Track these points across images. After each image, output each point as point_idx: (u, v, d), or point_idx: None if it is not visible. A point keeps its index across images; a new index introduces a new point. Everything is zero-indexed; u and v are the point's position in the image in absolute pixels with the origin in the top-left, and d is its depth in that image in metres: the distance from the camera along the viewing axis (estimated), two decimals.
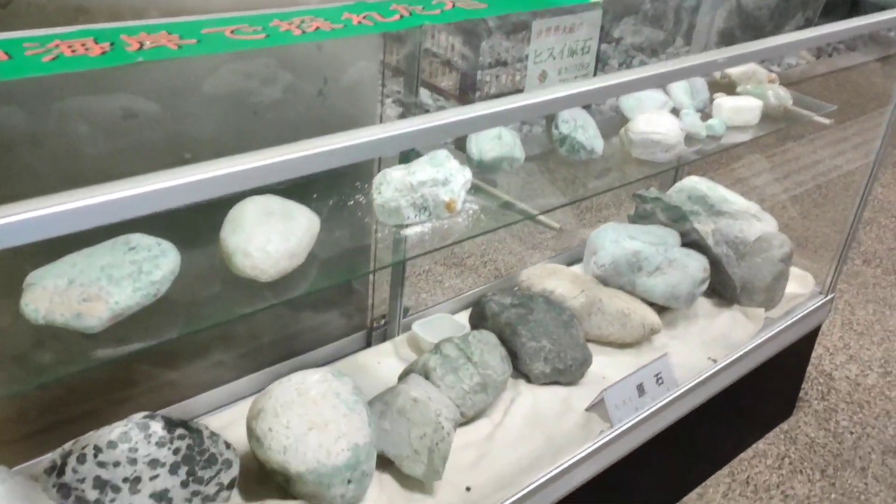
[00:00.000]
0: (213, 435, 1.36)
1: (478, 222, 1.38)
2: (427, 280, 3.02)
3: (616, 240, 2.04)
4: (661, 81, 1.65)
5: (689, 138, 1.80)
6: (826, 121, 1.98)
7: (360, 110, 1.68)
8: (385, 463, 1.49)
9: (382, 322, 1.87)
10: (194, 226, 1.23)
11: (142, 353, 1.58)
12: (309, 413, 1.36)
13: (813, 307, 2.18)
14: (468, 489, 1.49)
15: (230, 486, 1.35)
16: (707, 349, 1.96)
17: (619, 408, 1.68)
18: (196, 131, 1.47)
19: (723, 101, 1.90)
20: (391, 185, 1.31)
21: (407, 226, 1.34)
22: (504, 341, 1.77)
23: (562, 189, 1.57)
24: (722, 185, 2.31)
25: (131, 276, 1.03)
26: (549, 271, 2.02)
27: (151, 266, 1.04)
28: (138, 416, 1.31)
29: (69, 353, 1.02)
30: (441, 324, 1.88)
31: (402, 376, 1.66)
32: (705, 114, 1.94)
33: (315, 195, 1.41)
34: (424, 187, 1.32)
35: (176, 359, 1.65)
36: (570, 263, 2.32)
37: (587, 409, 1.71)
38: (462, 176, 1.39)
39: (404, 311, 1.91)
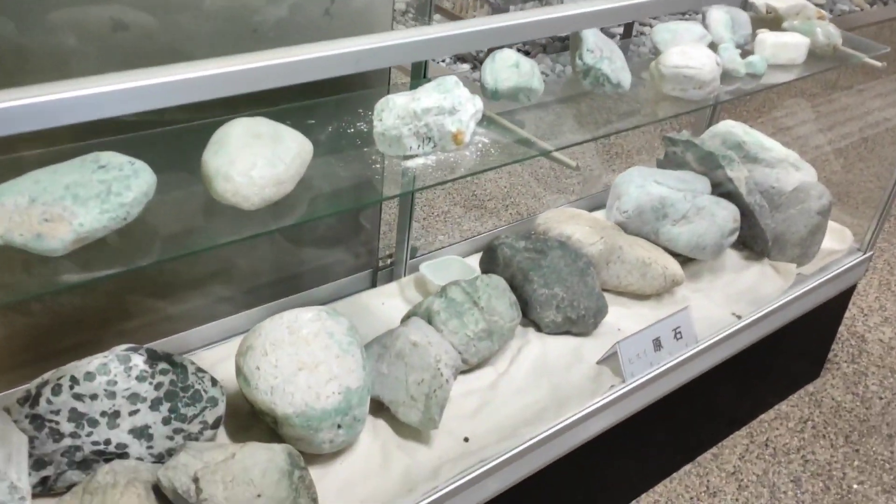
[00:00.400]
0: (198, 371, 1.29)
1: (487, 156, 1.27)
2: (445, 221, 2.92)
3: (641, 184, 1.92)
4: (694, 4, 1.51)
5: (727, 76, 1.66)
6: (878, 63, 1.82)
7: (371, 33, 1.56)
8: (380, 408, 1.42)
9: (389, 262, 1.79)
10: (180, 148, 1.14)
11: (135, 283, 1.53)
12: (299, 353, 1.29)
13: (849, 265, 2.05)
14: (466, 440, 1.41)
15: (215, 426, 1.29)
16: (732, 304, 1.85)
17: (633, 362, 1.58)
18: (190, 48, 1.36)
19: (766, 37, 1.74)
20: (393, 112, 1.21)
21: (409, 157, 1.23)
22: (515, 287, 1.68)
23: (583, 125, 1.45)
24: (760, 131, 2.17)
25: (99, 196, 0.94)
26: (567, 215, 1.91)
27: (122, 187, 0.96)
28: (120, 348, 1.24)
29: (31, 274, 0.94)
30: (450, 266, 1.79)
31: (405, 319, 1.58)
32: (746, 50, 1.79)
33: (313, 121, 1.31)
34: (429, 115, 1.21)
35: (173, 291, 1.58)
36: (594, 209, 2.21)
37: (599, 362, 1.62)
38: (472, 105, 1.28)
39: (412, 251, 1.81)
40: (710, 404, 1.93)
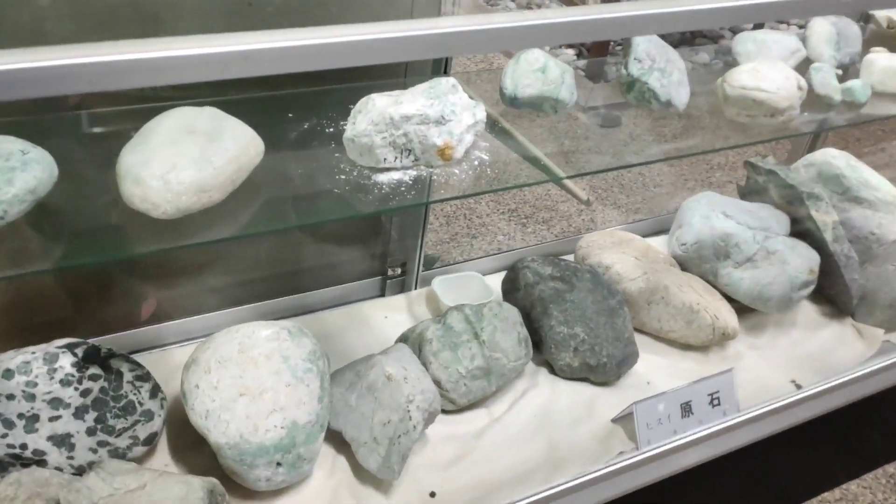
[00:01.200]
0: (137, 379, 1.16)
1: (478, 179, 1.07)
2: (510, 221, 2.71)
3: (707, 215, 1.65)
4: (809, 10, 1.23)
5: (817, 101, 1.38)
6: None
7: (396, 8, 1.36)
8: (344, 443, 1.25)
9: (398, 271, 1.61)
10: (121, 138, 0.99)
11: (122, 263, 1.42)
12: (245, 376, 1.14)
13: None
14: (433, 494, 1.23)
15: (147, 442, 1.16)
16: (793, 369, 1.57)
17: (652, 427, 1.35)
18: (172, 16, 1.22)
19: (875, 59, 1.44)
20: (368, 116, 1.02)
21: (384, 170, 1.05)
22: (532, 319, 1.47)
23: (611, 149, 1.22)
24: (868, 165, 1.84)
25: None
26: (615, 241, 1.67)
27: (2, 181, 0.82)
28: (54, 345, 1.13)
29: None
30: (468, 284, 1.60)
31: (398, 341, 1.41)
32: (854, 69, 1.49)
33: (290, 114, 1.14)
34: (409, 124, 1.02)
35: (159, 276, 1.47)
36: (662, 232, 1.96)
37: (614, 420, 1.40)
38: (470, 116, 1.07)
39: (431, 261, 1.63)
40: (754, 475, 1.66)
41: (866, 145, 3.33)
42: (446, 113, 1.03)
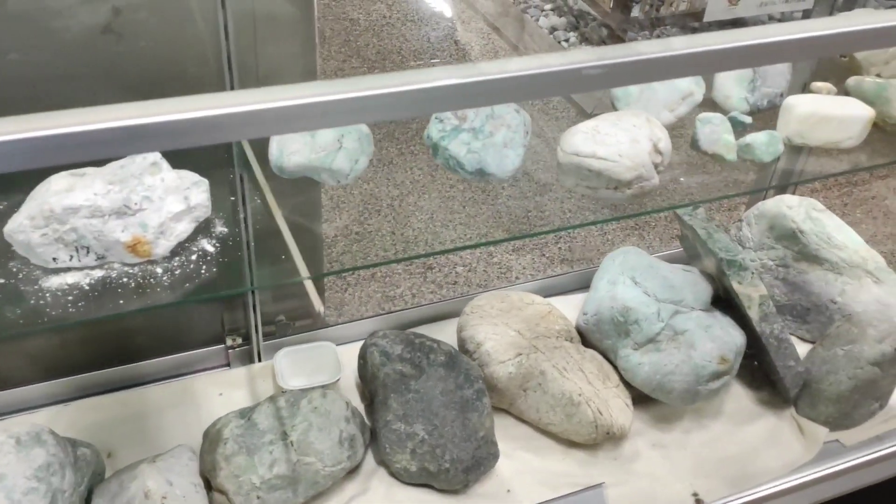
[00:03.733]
0: None
1: (182, 283, 0.85)
2: (489, 262, 2.43)
3: (614, 280, 1.38)
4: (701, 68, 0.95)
5: (706, 161, 1.09)
6: None
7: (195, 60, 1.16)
8: None
9: (239, 340, 1.40)
10: None
11: None
12: None
13: None
14: None
15: None
16: (702, 476, 1.28)
17: None
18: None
19: (795, 103, 1.13)
20: (28, 207, 0.82)
21: (60, 271, 0.84)
22: (374, 408, 1.25)
23: (389, 234, 0.97)
24: (838, 215, 1.52)
25: None
26: (504, 307, 1.41)
27: None
28: None
29: None
30: (318, 357, 1.38)
31: (204, 435, 1.21)
32: (775, 113, 1.19)
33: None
34: (76, 217, 0.81)
35: None
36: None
37: None
38: (180, 201, 0.86)
39: (283, 327, 1.42)
40: None
41: (828, 186, 2.78)
42: (134, 201, 0.82)
